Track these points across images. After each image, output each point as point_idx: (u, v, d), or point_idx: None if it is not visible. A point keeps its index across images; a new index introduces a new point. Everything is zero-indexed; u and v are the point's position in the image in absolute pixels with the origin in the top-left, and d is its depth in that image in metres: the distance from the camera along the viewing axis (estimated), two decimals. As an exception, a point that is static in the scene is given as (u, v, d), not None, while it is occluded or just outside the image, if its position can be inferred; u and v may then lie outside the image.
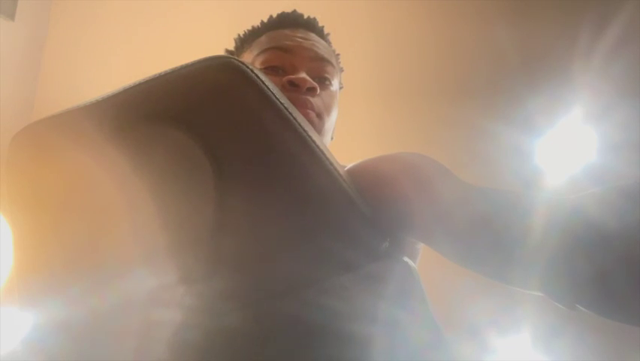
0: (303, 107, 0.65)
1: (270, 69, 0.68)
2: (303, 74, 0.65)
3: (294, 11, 0.76)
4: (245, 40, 0.77)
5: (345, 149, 0.80)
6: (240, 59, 0.46)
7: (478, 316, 1.25)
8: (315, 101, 0.67)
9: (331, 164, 0.46)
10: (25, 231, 0.58)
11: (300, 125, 0.46)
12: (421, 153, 0.54)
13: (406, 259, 0.51)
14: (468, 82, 1.45)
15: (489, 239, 0.43)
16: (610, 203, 0.37)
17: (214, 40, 0.91)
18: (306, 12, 0.77)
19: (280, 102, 0.45)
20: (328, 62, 0.72)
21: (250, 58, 0.72)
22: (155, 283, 0.48)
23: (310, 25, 0.75)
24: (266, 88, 0.45)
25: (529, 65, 1.39)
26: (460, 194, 0.47)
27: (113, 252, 0.51)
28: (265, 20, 0.76)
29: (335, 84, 0.73)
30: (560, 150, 1.37)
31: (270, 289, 0.47)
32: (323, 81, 0.70)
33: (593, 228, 0.36)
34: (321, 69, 0.70)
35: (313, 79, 0.67)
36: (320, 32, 0.77)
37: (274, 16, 0.76)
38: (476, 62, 1.45)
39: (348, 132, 1.10)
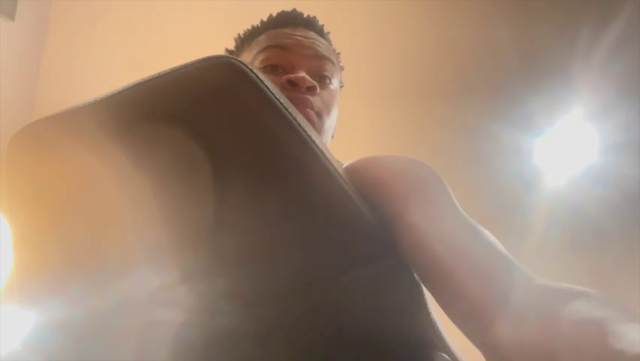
0: (303, 106, 0.64)
1: (269, 68, 0.68)
2: (302, 73, 0.65)
3: (294, 10, 0.75)
4: (244, 40, 0.76)
5: (345, 149, 0.80)
6: (239, 59, 0.46)
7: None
8: (315, 100, 0.66)
9: (331, 164, 0.46)
10: (26, 230, 0.58)
11: (299, 124, 0.46)
12: (419, 160, 0.53)
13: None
14: (468, 82, 1.45)
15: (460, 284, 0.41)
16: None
17: (214, 40, 0.91)
18: (306, 11, 0.77)
19: (280, 102, 0.45)
20: (328, 60, 0.71)
21: (249, 57, 0.71)
22: (156, 283, 0.48)
23: (310, 24, 0.75)
24: (265, 88, 0.45)
25: (529, 65, 1.39)
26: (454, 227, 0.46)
27: (113, 251, 0.51)
28: (265, 19, 0.76)
29: (335, 83, 0.73)
30: (560, 150, 1.37)
31: (271, 290, 0.47)
32: (323, 80, 0.70)
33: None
34: (320, 67, 0.70)
35: (313, 78, 0.67)
36: (320, 31, 0.76)
37: (274, 15, 0.76)
38: (476, 62, 1.45)
39: (349, 132, 1.09)
